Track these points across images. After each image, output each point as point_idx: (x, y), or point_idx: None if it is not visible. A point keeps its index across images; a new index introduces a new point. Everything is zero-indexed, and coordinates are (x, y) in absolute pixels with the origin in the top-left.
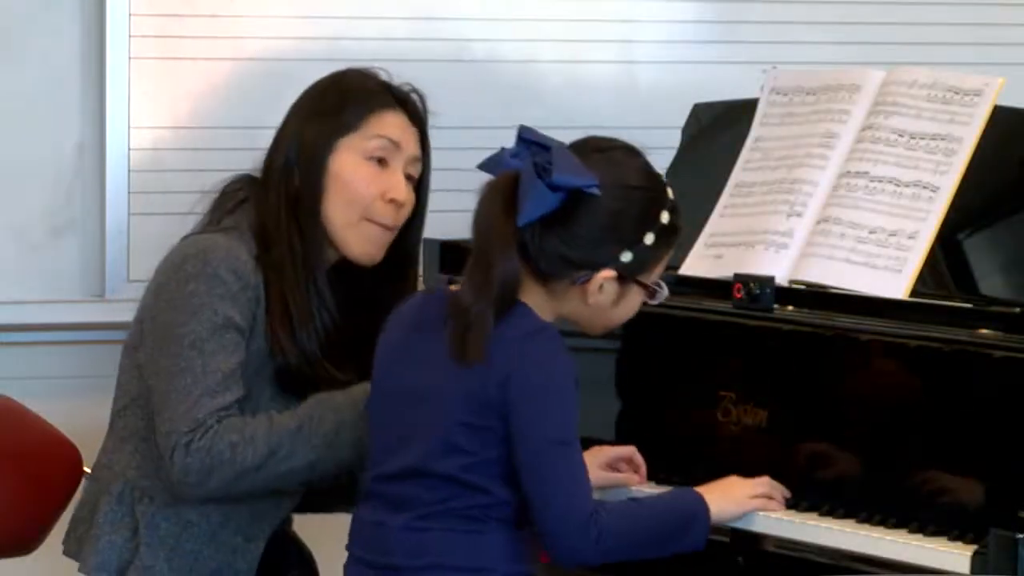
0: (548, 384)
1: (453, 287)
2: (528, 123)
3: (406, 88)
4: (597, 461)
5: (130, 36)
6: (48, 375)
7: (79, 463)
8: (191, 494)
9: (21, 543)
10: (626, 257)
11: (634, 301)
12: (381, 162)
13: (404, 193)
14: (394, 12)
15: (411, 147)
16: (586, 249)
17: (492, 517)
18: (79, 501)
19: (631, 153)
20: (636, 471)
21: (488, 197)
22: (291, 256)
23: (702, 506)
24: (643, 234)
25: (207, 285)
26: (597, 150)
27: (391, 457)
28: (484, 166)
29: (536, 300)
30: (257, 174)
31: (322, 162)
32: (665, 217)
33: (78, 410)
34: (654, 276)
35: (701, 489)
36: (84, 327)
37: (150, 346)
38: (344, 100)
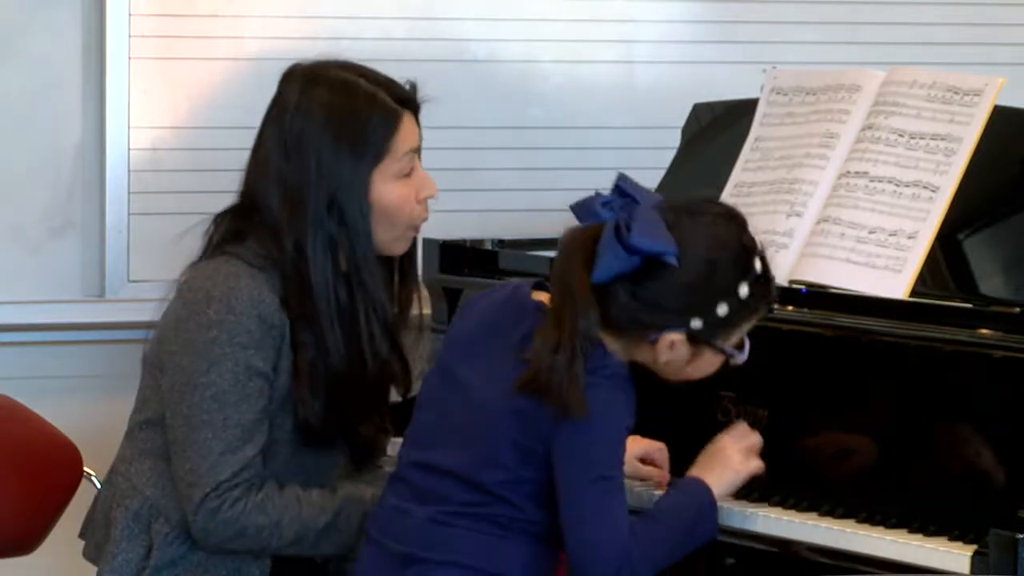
0: (598, 420)
1: (537, 294)
2: (528, 123)
3: (407, 87)
4: (632, 452)
5: (130, 36)
6: (48, 375)
7: (79, 463)
8: (209, 549)
9: (21, 543)
10: (696, 324)
11: (710, 361)
12: (408, 174)
13: (434, 186)
14: (394, 12)
15: (420, 139)
16: (655, 312)
17: (518, 529)
18: (92, 503)
19: (727, 219)
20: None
21: (568, 250)
22: (336, 325)
23: (707, 494)
24: (716, 304)
25: (229, 333)
26: (689, 213)
27: (433, 445)
28: (575, 209)
29: (612, 344)
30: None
31: (365, 207)
32: (744, 290)
33: (78, 410)
34: (732, 341)
35: (698, 471)
36: (84, 327)
37: (170, 384)
38: (363, 129)
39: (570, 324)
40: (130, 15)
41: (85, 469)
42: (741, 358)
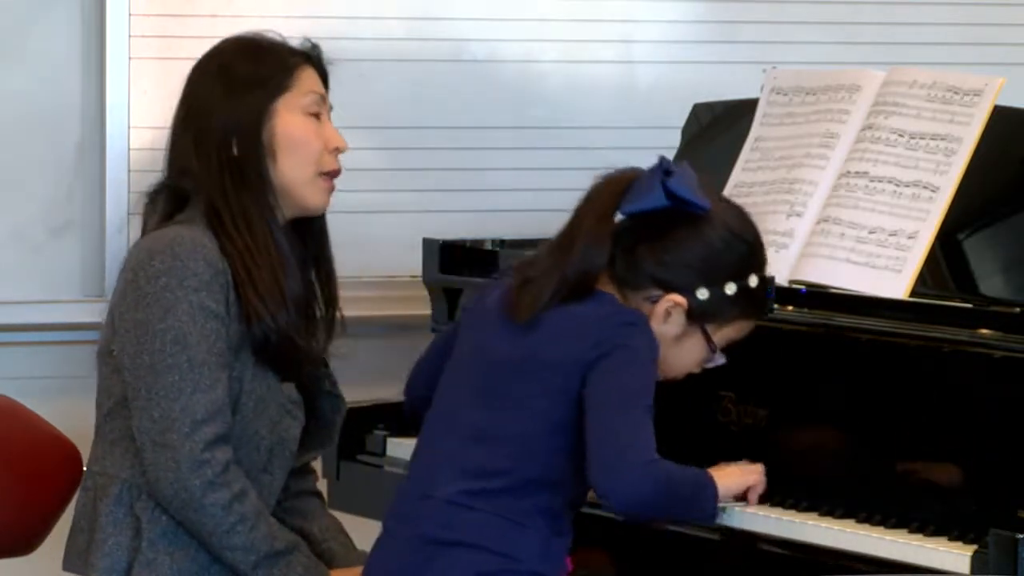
0: (642, 360)
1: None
2: (528, 123)
3: (307, 45)
4: None
5: (130, 36)
6: (48, 375)
7: (79, 463)
8: (160, 491)
9: (21, 543)
10: (702, 294)
11: (693, 351)
12: (316, 116)
13: (345, 140)
14: (394, 12)
15: (327, 96)
16: (669, 269)
17: (537, 509)
18: (74, 516)
19: (749, 216)
20: None
21: (600, 184)
22: (246, 224)
23: (709, 477)
24: (727, 281)
25: (179, 278)
26: (724, 200)
27: (461, 419)
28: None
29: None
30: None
31: (265, 125)
32: (754, 280)
33: (78, 410)
34: (720, 335)
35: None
36: (84, 327)
37: (128, 346)
38: (261, 67)
39: (573, 249)
40: (130, 15)
41: (85, 469)
42: (719, 360)
